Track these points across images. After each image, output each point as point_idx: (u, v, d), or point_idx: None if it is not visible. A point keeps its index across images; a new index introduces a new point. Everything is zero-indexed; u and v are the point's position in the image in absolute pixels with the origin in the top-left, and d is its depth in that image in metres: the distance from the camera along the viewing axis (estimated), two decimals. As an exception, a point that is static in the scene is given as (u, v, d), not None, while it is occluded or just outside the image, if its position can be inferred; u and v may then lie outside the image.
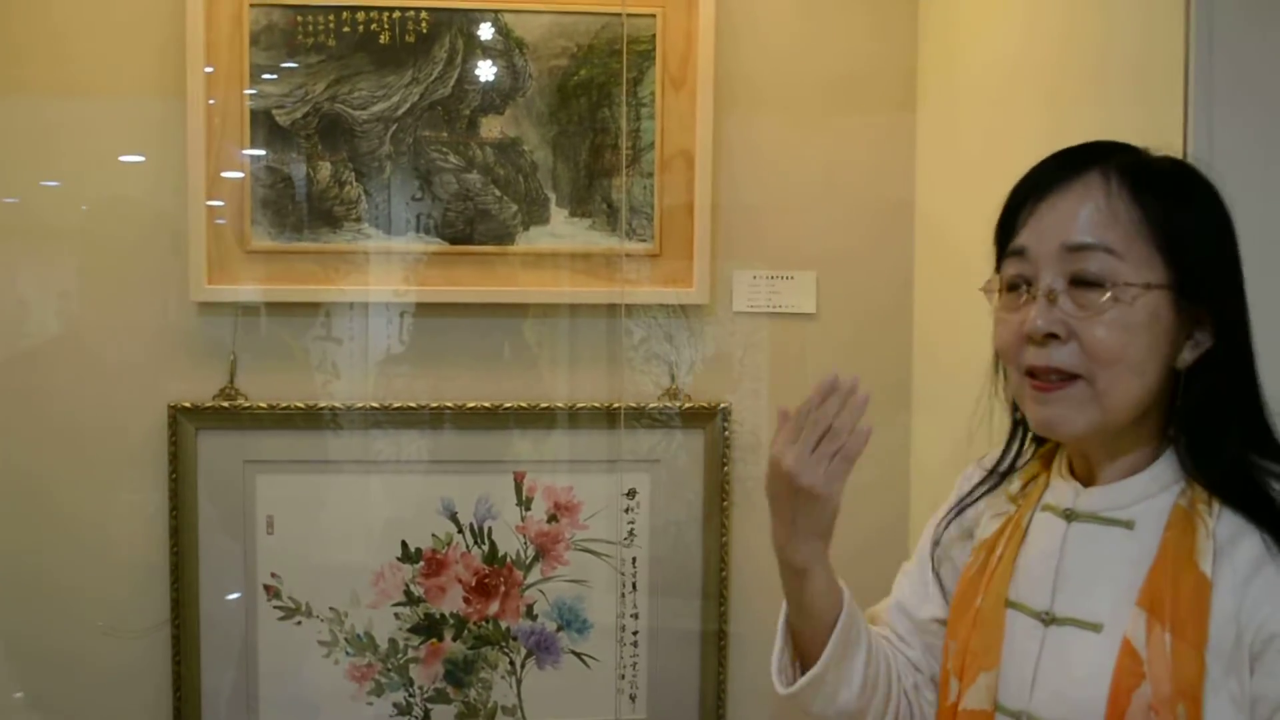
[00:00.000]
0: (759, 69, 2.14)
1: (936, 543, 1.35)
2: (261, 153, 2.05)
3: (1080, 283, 1.09)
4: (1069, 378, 1.10)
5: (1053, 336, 1.10)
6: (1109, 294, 1.07)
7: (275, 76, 2.04)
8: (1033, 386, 1.12)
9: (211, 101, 2.03)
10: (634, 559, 2.15)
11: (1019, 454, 1.29)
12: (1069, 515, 1.17)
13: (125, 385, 2.08)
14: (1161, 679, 1.02)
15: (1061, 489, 1.20)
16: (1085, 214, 1.09)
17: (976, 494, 1.32)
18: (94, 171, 2.06)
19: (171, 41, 2.03)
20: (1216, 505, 1.07)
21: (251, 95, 2.04)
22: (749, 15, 2.12)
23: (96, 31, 2.04)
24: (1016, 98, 1.84)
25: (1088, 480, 1.18)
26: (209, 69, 2.02)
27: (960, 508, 1.33)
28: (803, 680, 1.25)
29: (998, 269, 1.18)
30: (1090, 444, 1.16)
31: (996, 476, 1.30)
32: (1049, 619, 1.14)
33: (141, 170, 2.07)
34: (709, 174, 2.09)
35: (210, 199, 2.04)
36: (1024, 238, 1.13)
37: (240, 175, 2.05)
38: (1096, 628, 1.10)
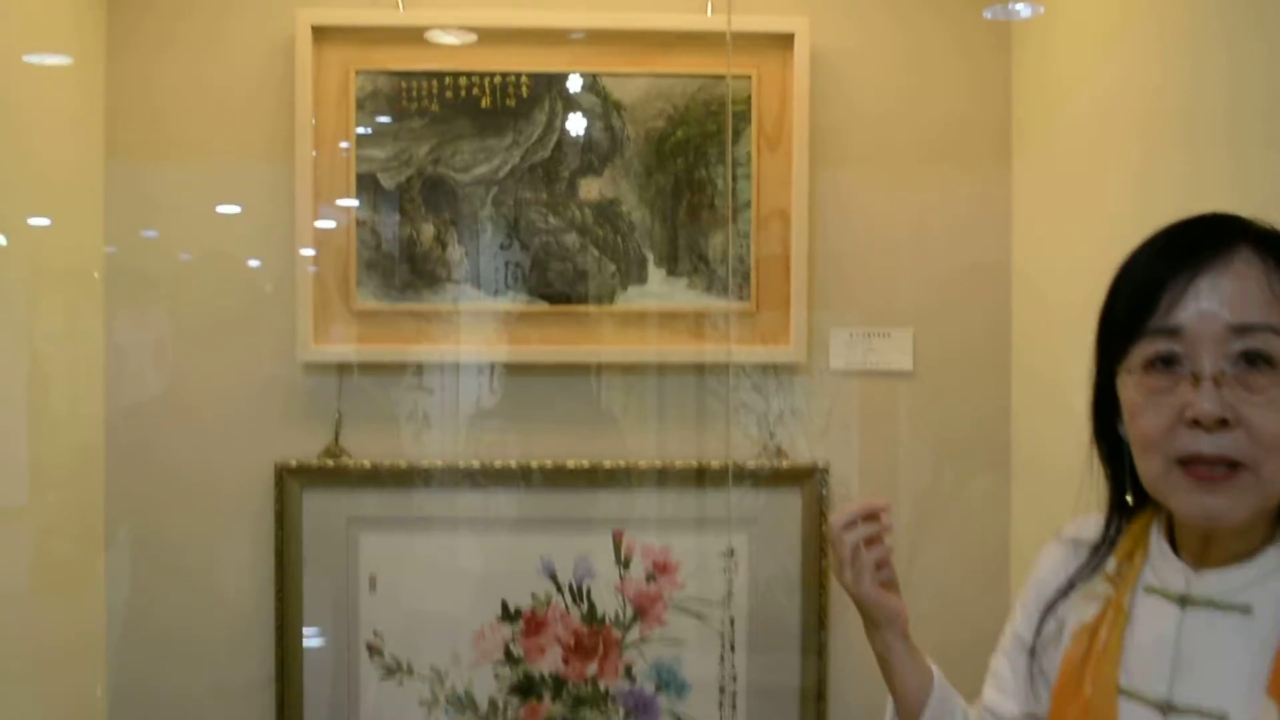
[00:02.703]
0: (854, 127, 2.15)
1: (1038, 632, 1.28)
2: (365, 213, 2.10)
3: (1246, 365, 1.03)
4: (1233, 466, 1.04)
5: (1223, 422, 1.03)
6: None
7: (380, 141, 2.09)
8: (1190, 475, 1.06)
9: (316, 160, 2.08)
10: (732, 619, 2.14)
11: (1119, 531, 1.23)
12: (1183, 600, 1.12)
13: (233, 443, 2.13)
14: None
15: (1166, 570, 1.15)
16: (1250, 293, 1.03)
17: (1079, 576, 1.26)
18: (201, 233, 2.13)
19: (281, 106, 2.09)
20: None
21: (357, 159, 2.09)
22: (843, 74, 2.14)
23: (209, 100, 2.11)
24: (1112, 150, 1.82)
25: (1197, 560, 1.13)
26: (316, 133, 2.08)
27: (1065, 591, 1.26)
28: None
29: (1127, 344, 1.11)
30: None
31: (1098, 556, 1.23)
32: (1168, 708, 1.09)
33: (248, 232, 2.13)
34: (805, 232, 2.10)
35: (316, 261, 2.09)
36: (1179, 316, 1.06)
37: (345, 236, 2.10)
38: (1222, 718, 1.06)
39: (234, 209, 2.13)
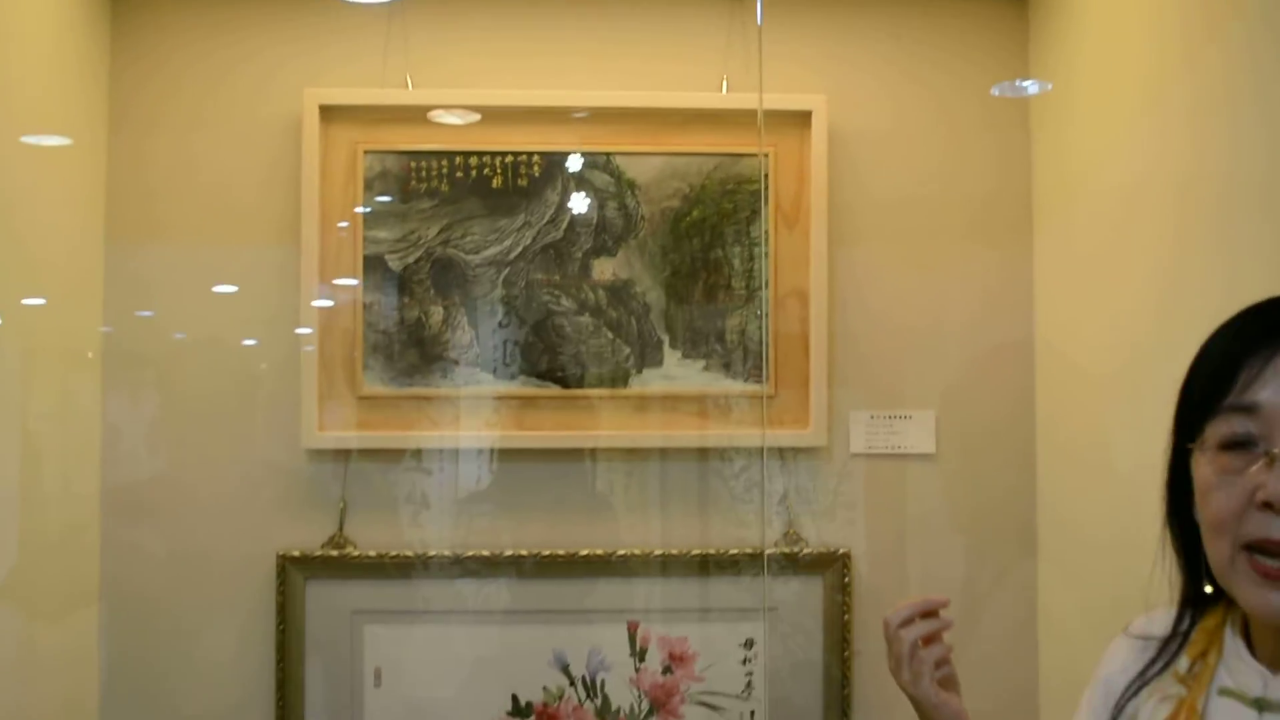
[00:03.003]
0: (872, 205, 2.11)
1: None
2: (372, 295, 2.04)
3: None
4: None
5: None
6: None
7: (388, 221, 2.05)
8: (1255, 567, 1.01)
9: (322, 242, 2.03)
10: (752, 712, 2.06)
11: (1192, 625, 1.18)
12: (1260, 705, 1.06)
13: (233, 531, 2.06)
14: None
15: (1241, 671, 1.09)
16: None
17: (1150, 674, 1.21)
18: (203, 316, 2.07)
19: (286, 187, 2.04)
20: None
21: (364, 240, 2.04)
22: (861, 152, 2.10)
23: (212, 180, 2.07)
24: (1139, 226, 1.79)
25: (1274, 660, 1.07)
26: (322, 214, 2.03)
27: (1134, 691, 1.22)
28: None
29: (1203, 421, 1.06)
30: None
31: (1168, 653, 1.18)
32: None
33: (252, 314, 2.08)
34: (824, 312, 2.05)
35: (321, 345, 2.03)
36: (1258, 393, 1.01)
37: (351, 319, 2.04)
38: None
39: (237, 291, 2.07)
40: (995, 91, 2.13)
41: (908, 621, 1.26)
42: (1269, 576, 0.99)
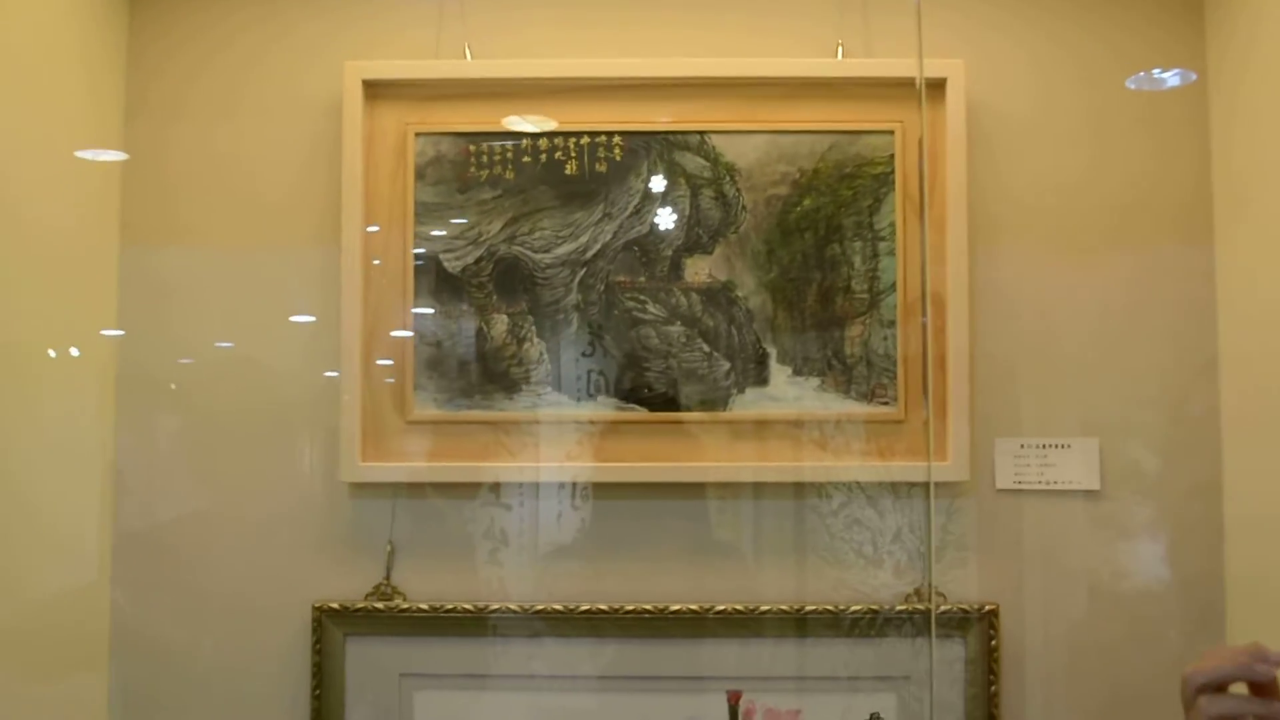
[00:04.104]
0: (1020, 193, 1.77)
1: None
2: (428, 308, 1.74)
3: None
4: None
5: None
6: None
7: (444, 215, 1.75)
8: None
9: (376, 261, 1.74)
10: (880, 803, 1.72)
11: None
12: None
13: (263, 580, 1.79)
14: None
15: None
16: None
17: None
18: (228, 332, 1.80)
19: (325, 179, 1.77)
20: None
21: (417, 239, 1.75)
22: (1005, 129, 1.77)
23: (238, 177, 1.80)
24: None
25: None
26: (367, 209, 1.74)
27: None
28: None
29: None
30: None
31: None
32: None
33: (284, 329, 1.79)
34: (964, 322, 1.71)
35: (366, 362, 1.74)
36: None
37: (402, 334, 1.75)
38: None
39: (267, 302, 1.79)
40: (1130, 85, 1.79)
41: (1213, 687, 0.95)
42: None
